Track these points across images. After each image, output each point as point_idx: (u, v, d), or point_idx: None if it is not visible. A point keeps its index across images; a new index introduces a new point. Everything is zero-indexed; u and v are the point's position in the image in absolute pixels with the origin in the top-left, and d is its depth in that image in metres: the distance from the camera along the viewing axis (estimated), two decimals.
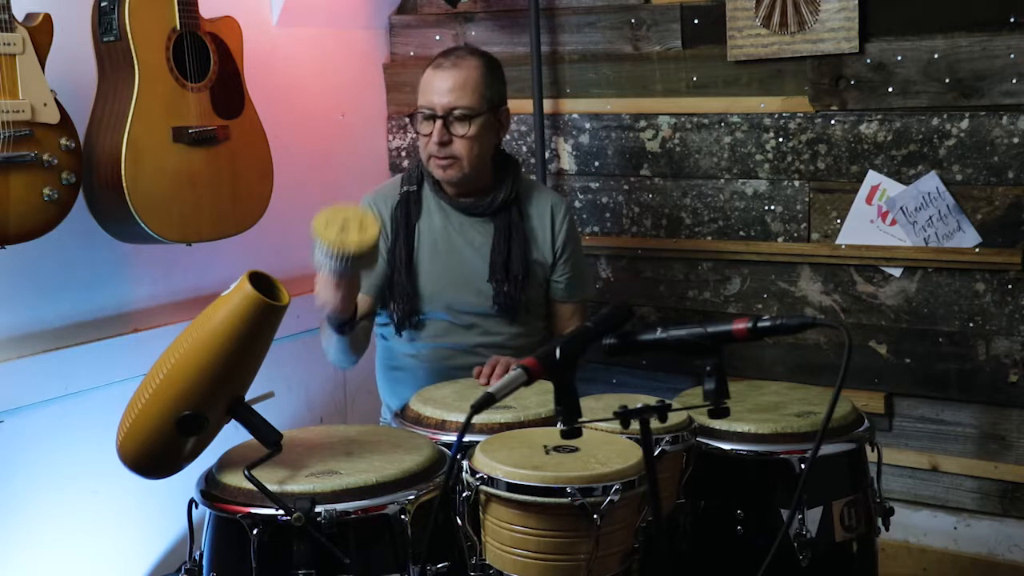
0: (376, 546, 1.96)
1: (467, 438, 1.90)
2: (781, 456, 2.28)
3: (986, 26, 2.85)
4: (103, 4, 2.56)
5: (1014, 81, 2.82)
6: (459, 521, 2.03)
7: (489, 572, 2.01)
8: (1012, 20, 2.82)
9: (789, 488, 2.27)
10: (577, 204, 3.47)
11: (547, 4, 3.43)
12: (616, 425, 1.70)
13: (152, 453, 1.99)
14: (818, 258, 3.13)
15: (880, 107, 3.00)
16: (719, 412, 1.71)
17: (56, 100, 2.41)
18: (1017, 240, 2.88)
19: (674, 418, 2.18)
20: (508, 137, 3.54)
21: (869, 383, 3.10)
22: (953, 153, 2.93)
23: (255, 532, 1.90)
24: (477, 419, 1.78)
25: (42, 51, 2.39)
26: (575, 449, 2.03)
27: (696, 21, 3.22)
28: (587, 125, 3.44)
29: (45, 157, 2.39)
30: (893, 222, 3.02)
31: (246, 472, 1.93)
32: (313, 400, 3.45)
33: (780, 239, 3.19)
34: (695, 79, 3.25)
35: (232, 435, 2.08)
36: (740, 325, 1.68)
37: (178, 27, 2.62)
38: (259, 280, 1.96)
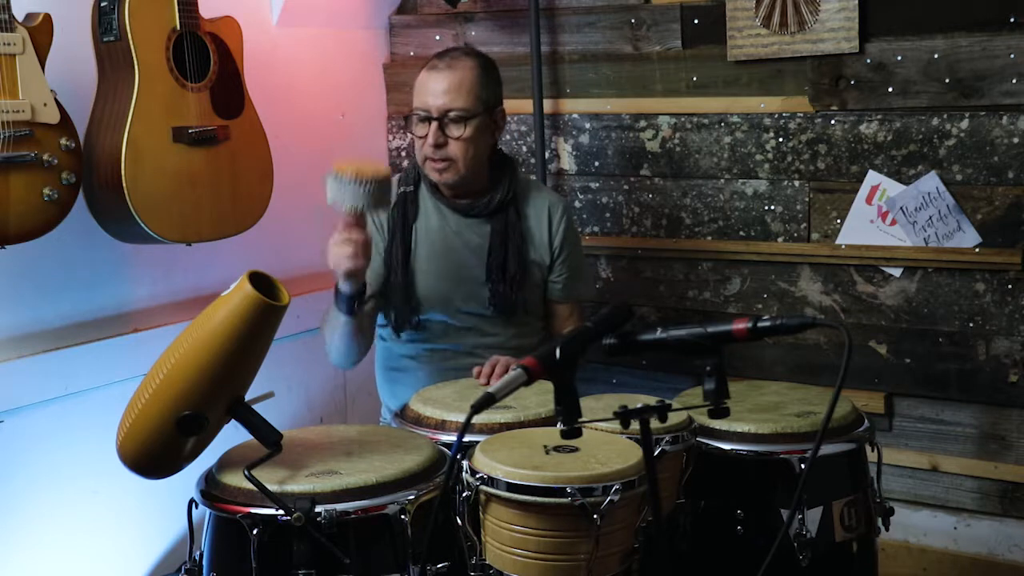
0: (376, 546, 1.96)
1: (467, 438, 1.90)
2: (781, 456, 2.28)
3: (986, 26, 2.85)
4: (103, 4, 2.55)
5: (1014, 81, 2.82)
6: (459, 521, 2.03)
7: (489, 572, 2.01)
8: (1012, 20, 2.82)
9: (789, 488, 2.27)
10: (577, 204, 3.47)
11: (547, 4, 3.43)
12: (616, 425, 1.70)
13: (152, 453, 1.99)
14: (818, 258, 3.13)
15: (880, 107, 3.00)
16: (719, 412, 1.71)
17: (56, 100, 2.41)
18: (1017, 240, 2.88)
19: (674, 418, 2.18)
20: (508, 137, 3.55)
21: (869, 383, 3.10)
22: (953, 153, 2.93)
23: (255, 532, 1.90)
24: (477, 419, 1.78)
25: (42, 51, 2.39)
26: (575, 449, 2.03)
27: (696, 21, 3.22)
28: (587, 125, 3.44)
29: (45, 157, 2.39)
30: (893, 222, 3.02)
31: (246, 472, 1.93)
32: (313, 400, 3.45)
33: (780, 239, 3.19)
34: (695, 79, 3.25)
35: (232, 435, 2.08)
36: (740, 325, 1.68)
37: (178, 27, 2.62)
38: (259, 280, 1.96)
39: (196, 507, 2.05)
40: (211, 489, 2.01)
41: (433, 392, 2.50)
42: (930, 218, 2.97)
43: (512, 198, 2.78)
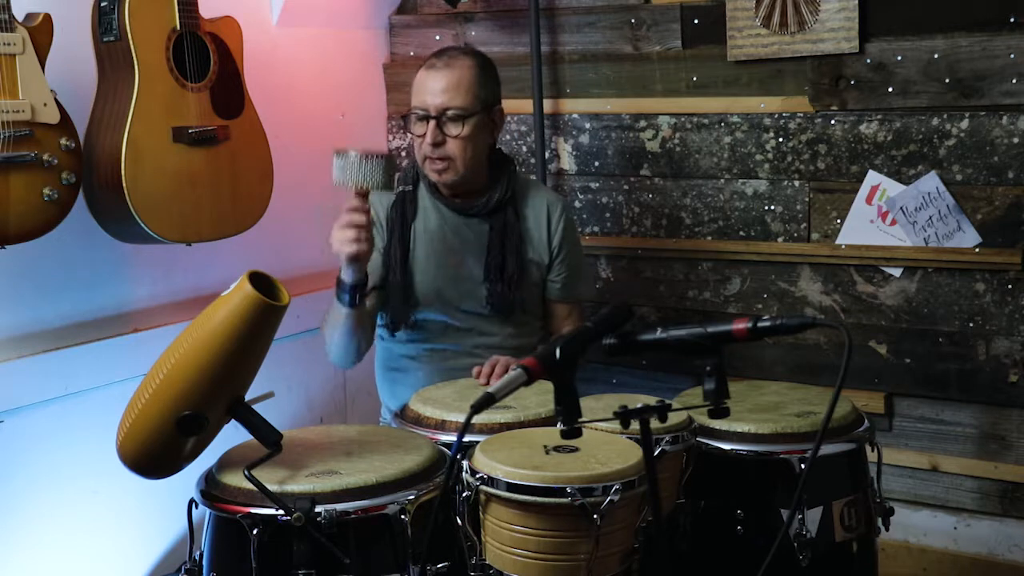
0: (376, 546, 1.96)
1: (467, 438, 1.90)
2: (781, 456, 2.28)
3: (986, 26, 2.85)
4: (103, 4, 2.55)
5: (1014, 81, 2.82)
6: (459, 521, 2.03)
7: (489, 572, 2.01)
8: (1012, 20, 2.82)
9: (789, 488, 2.27)
10: (577, 204, 3.47)
11: (547, 4, 3.43)
12: (616, 425, 1.70)
13: (152, 453, 1.99)
14: (818, 258, 3.13)
15: (880, 107, 3.00)
16: (719, 412, 1.71)
17: (56, 100, 2.41)
18: (1017, 240, 2.88)
19: (674, 418, 2.18)
20: (508, 137, 3.55)
21: (869, 383, 3.10)
22: (953, 153, 2.93)
23: (255, 532, 1.90)
24: (477, 419, 1.78)
25: (42, 51, 2.39)
26: (575, 449, 2.03)
27: (696, 21, 3.22)
28: (587, 125, 3.44)
29: (45, 157, 2.39)
30: (893, 222, 3.02)
31: (246, 472, 1.93)
32: (313, 400, 3.45)
33: (780, 239, 3.19)
34: (695, 79, 3.25)
35: (232, 435, 2.08)
36: (740, 325, 1.68)
37: (178, 27, 2.62)
38: (259, 280, 1.96)
39: (196, 507, 2.05)
40: (211, 489, 2.01)
41: (433, 392, 2.50)
42: (930, 218, 2.97)
43: (511, 197, 2.78)
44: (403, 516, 1.95)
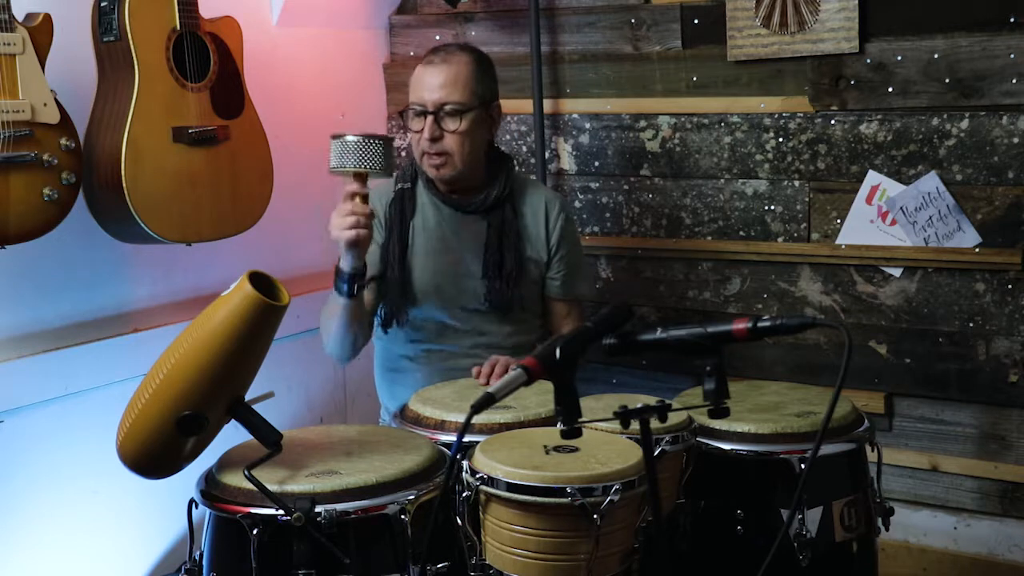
0: (376, 546, 1.96)
1: (467, 438, 1.90)
2: (781, 456, 2.28)
3: (986, 26, 2.85)
4: (103, 4, 2.55)
5: (1014, 81, 2.82)
6: (459, 521, 2.03)
7: (489, 572, 2.01)
8: (1012, 20, 2.82)
9: (789, 488, 2.27)
10: (577, 204, 3.47)
11: (547, 4, 3.43)
12: (616, 425, 1.70)
13: (152, 453, 1.99)
14: (818, 258, 3.13)
15: (880, 107, 3.00)
16: (719, 412, 1.71)
17: (56, 100, 2.41)
18: (1017, 240, 2.88)
19: (674, 418, 2.18)
20: (508, 137, 3.55)
21: (869, 383, 3.10)
22: (953, 153, 2.93)
23: (255, 532, 1.90)
24: (477, 419, 1.78)
25: (42, 51, 2.39)
26: (575, 449, 2.03)
27: (696, 21, 3.22)
28: (587, 125, 3.44)
29: (45, 157, 2.39)
30: (893, 222, 3.02)
31: (246, 472, 1.93)
32: (313, 400, 3.45)
33: (780, 239, 3.19)
34: (695, 79, 3.25)
35: (232, 435, 2.08)
36: (740, 325, 1.68)
37: (178, 27, 2.62)
38: (259, 280, 1.96)
39: (196, 507, 2.05)
40: (211, 489, 2.01)
41: (432, 392, 2.50)
42: (930, 218, 2.97)
43: (509, 194, 2.78)
44: (403, 516, 1.95)
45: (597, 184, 3.45)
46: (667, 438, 2.18)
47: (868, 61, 2.99)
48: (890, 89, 2.97)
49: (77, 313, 2.78)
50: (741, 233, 3.25)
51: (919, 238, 2.99)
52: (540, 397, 2.36)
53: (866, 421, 2.44)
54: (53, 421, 2.70)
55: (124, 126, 2.52)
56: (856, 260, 3.08)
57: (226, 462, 2.08)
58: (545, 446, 2.07)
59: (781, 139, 3.15)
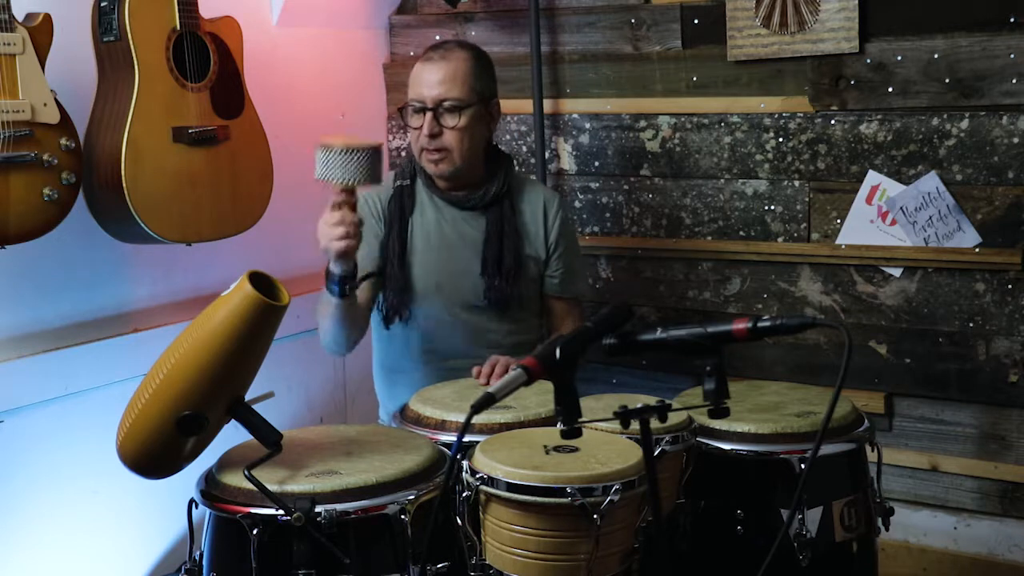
0: (376, 546, 1.96)
1: (467, 438, 1.90)
2: (781, 456, 2.28)
3: (986, 26, 2.85)
4: (103, 4, 2.56)
5: (1014, 81, 2.82)
6: (459, 521, 2.03)
7: (489, 572, 2.01)
8: (1012, 20, 2.82)
9: (789, 488, 2.27)
10: (577, 204, 3.47)
11: (547, 4, 3.43)
12: (616, 425, 1.70)
13: (152, 453, 1.99)
14: (818, 258, 3.13)
15: (880, 107, 3.00)
16: (719, 412, 1.71)
17: (56, 100, 2.41)
18: (1017, 240, 2.88)
19: (674, 418, 2.18)
20: (508, 137, 3.55)
21: (869, 383, 3.10)
22: (953, 153, 2.93)
23: (255, 532, 1.90)
24: (477, 419, 1.78)
25: (42, 51, 2.39)
26: (575, 449, 2.03)
27: (696, 21, 3.22)
28: (587, 125, 3.44)
29: (45, 157, 2.39)
30: (893, 222, 3.02)
31: (246, 472, 1.93)
32: (313, 400, 3.45)
33: (780, 239, 3.19)
34: (695, 79, 3.25)
35: (232, 435, 2.08)
36: (740, 325, 1.68)
37: (178, 27, 2.62)
38: (259, 280, 1.96)
39: (196, 507, 2.05)
40: (211, 489, 2.01)
41: (433, 392, 2.50)
42: (930, 218, 2.97)
43: (507, 191, 2.79)
44: (403, 516, 1.95)
45: (597, 184, 3.45)
46: (667, 438, 2.17)
47: (868, 61, 2.99)
48: (890, 89, 2.97)
49: (77, 313, 2.78)
50: (741, 233, 3.25)
51: (919, 238, 2.99)
52: (540, 397, 2.36)
53: (866, 421, 2.44)
54: (53, 421, 2.70)
55: (124, 126, 2.52)
56: (856, 260, 3.08)
57: (226, 462, 2.08)
58: (545, 446, 2.07)
59: (781, 139, 3.15)
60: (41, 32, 2.39)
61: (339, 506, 1.91)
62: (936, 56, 2.91)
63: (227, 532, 1.98)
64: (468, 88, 2.67)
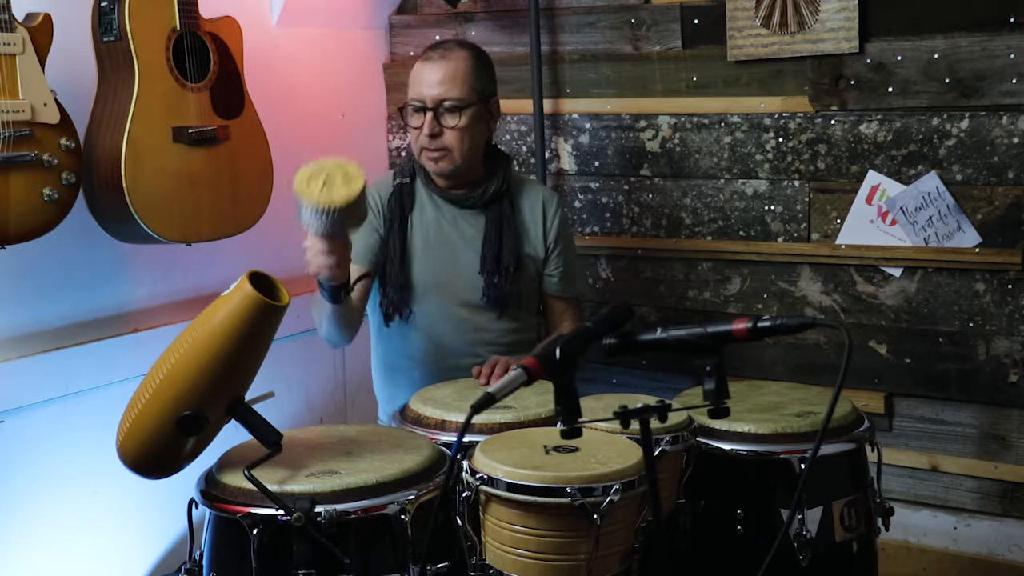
0: (376, 546, 1.96)
1: (467, 438, 1.90)
2: (781, 456, 2.28)
3: (986, 26, 2.85)
4: (103, 4, 2.55)
5: (1014, 81, 2.82)
6: (459, 521, 2.03)
7: (489, 572, 2.01)
8: (1012, 20, 2.82)
9: (789, 488, 2.27)
10: (577, 204, 3.47)
11: (547, 4, 3.43)
12: (616, 425, 1.70)
13: (152, 453, 1.99)
14: (818, 258, 3.13)
15: (880, 107, 3.00)
16: (719, 412, 1.71)
17: (56, 100, 2.41)
18: (1017, 240, 2.88)
19: (674, 418, 2.18)
20: (508, 137, 3.55)
21: (869, 383, 3.10)
22: (953, 153, 2.93)
23: (255, 532, 1.90)
24: (477, 419, 1.78)
25: (42, 51, 2.39)
26: (575, 449, 2.03)
27: (696, 21, 3.22)
28: (587, 125, 3.44)
29: (45, 157, 2.39)
30: (893, 222, 3.02)
31: (246, 472, 1.93)
32: (313, 400, 3.45)
33: (780, 239, 3.19)
34: (695, 79, 3.25)
35: (232, 435, 2.08)
36: (740, 325, 1.68)
37: (178, 27, 2.62)
38: (259, 280, 1.96)
39: (196, 507, 2.05)
40: (211, 489, 2.01)
41: (433, 392, 2.50)
42: (930, 218, 2.97)
43: (506, 190, 2.79)
44: (403, 516, 1.95)
45: (597, 184, 3.44)
46: (667, 438, 2.18)
47: (868, 61, 2.99)
48: (890, 89, 2.97)
49: (77, 313, 2.78)
50: (741, 233, 3.25)
51: (919, 238, 2.99)
52: (540, 397, 2.36)
53: (866, 421, 2.44)
54: (53, 421, 2.70)
55: (124, 126, 2.52)
56: (856, 260, 3.08)
57: (226, 462, 2.08)
58: (545, 446, 2.07)
59: (781, 139, 3.15)
60: (41, 32, 2.39)
61: (339, 506, 1.91)
62: (936, 56, 2.91)
63: (227, 532, 1.98)
64: (468, 88, 2.67)
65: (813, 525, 2.27)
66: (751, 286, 3.25)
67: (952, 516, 3.09)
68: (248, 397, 2.03)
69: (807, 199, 3.14)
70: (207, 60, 2.69)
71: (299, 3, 3.33)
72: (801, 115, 3.11)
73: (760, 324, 1.67)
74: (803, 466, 2.24)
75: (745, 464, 2.30)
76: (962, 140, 2.92)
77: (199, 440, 2.01)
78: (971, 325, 2.97)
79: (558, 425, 1.69)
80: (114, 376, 2.75)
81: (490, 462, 2.00)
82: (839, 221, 3.09)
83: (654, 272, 3.39)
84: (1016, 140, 2.85)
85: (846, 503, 2.33)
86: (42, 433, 2.69)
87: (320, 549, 1.89)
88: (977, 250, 2.92)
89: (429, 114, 2.66)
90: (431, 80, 2.67)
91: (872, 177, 3.03)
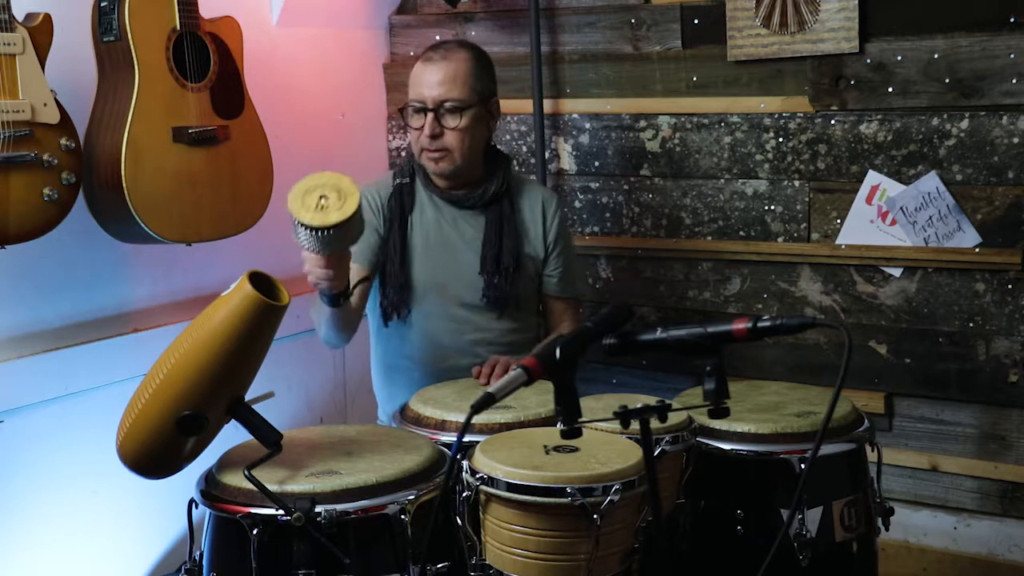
0: (376, 546, 1.96)
1: (467, 438, 1.90)
2: (781, 456, 2.28)
3: (986, 26, 2.85)
4: (103, 4, 2.55)
5: (1014, 81, 2.82)
6: (459, 521, 2.03)
7: (489, 572, 2.01)
8: (1012, 20, 2.82)
9: (789, 488, 2.27)
10: (577, 204, 3.47)
11: (547, 4, 3.43)
12: (616, 425, 1.70)
13: (152, 453, 1.99)
14: (818, 258, 3.13)
15: (880, 107, 3.00)
16: (719, 412, 1.71)
17: (56, 100, 2.41)
18: (1017, 240, 2.88)
19: (674, 418, 2.18)
20: (508, 137, 3.55)
21: (869, 383, 3.10)
22: (953, 153, 2.93)
23: (255, 532, 1.90)
24: (477, 419, 1.78)
25: (42, 51, 2.39)
26: (575, 449, 2.03)
27: (696, 21, 3.22)
28: (587, 125, 3.44)
29: (45, 157, 2.39)
30: (893, 222, 3.02)
31: (246, 472, 1.93)
32: (313, 400, 3.45)
33: (780, 239, 3.19)
34: (695, 79, 3.25)
35: (232, 435, 2.08)
36: (740, 325, 1.68)
37: (178, 27, 2.62)
38: (259, 280, 1.96)
39: (196, 507, 2.05)
40: (211, 489, 2.01)
41: (433, 392, 2.50)
42: (930, 218, 2.97)
43: (506, 190, 2.79)
44: (403, 516, 1.95)
45: (597, 184, 3.44)
46: (667, 438, 2.18)
47: (868, 61, 2.99)
48: (890, 89, 2.97)
49: (77, 313, 2.78)
50: (741, 233, 3.25)
51: (919, 238, 2.99)
52: (540, 397, 2.36)
53: (866, 421, 2.44)
54: (53, 421, 2.70)
55: (124, 126, 2.52)
56: (856, 260, 3.08)
57: (226, 462, 2.08)
58: (545, 446, 2.07)
59: (781, 139, 3.15)
60: (41, 32, 2.39)
61: (339, 506, 1.91)
62: (936, 56, 2.91)
63: (227, 532, 1.98)
64: (469, 88, 2.67)
65: (813, 525, 2.27)
66: (751, 286, 3.25)
67: (952, 516, 3.09)
68: (248, 397, 2.03)
69: (807, 199, 3.14)
70: (207, 60, 2.69)
71: (299, 3, 3.33)
72: (801, 115, 3.11)
73: (760, 324, 1.67)
74: (803, 466, 2.24)
75: (745, 464, 2.30)
76: (962, 140, 2.92)
77: (199, 440, 2.01)
78: (971, 325, 2.97)
79: (558, 425, 1.69)
80: (114, 376, 2.75)
81: (490, 462, 2.00)
82: (839, 221, 3.09)
83: (654, 272, 3.39)
84: (1016, 140, 2.85)
85: (846, 503, 2.33)
86: (42, 433, 2.69)
87: (320, 549, 1.89)
88: (977, 250, 2.92)
89: (430, 115, 2.66)
90: (432, 81, 2.67)
91: (872, 177, 3.03)
